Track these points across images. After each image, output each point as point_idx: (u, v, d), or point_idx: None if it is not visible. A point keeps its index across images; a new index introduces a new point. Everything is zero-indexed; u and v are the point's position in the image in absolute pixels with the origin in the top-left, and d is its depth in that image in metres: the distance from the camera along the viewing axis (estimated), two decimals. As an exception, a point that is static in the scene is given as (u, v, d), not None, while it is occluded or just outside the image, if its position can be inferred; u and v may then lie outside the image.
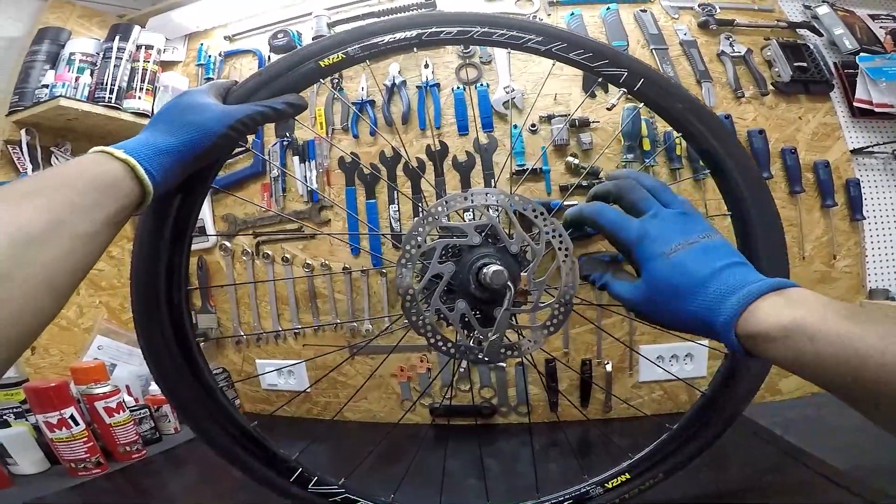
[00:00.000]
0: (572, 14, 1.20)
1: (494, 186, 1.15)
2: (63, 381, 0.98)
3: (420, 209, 1.18)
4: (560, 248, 0.53)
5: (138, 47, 1.25)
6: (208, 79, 1.34)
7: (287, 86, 0.57)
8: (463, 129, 1.19)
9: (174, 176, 0.46)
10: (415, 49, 0.60)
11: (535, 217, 0.53)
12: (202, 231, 1.32)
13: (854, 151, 1.17)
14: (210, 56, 1.35)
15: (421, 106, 1.20)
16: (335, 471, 0.69)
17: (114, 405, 1.03)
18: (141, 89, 1.22)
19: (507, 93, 1.16)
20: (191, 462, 1.07)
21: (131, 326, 1.29)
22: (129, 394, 1.14)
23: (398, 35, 0.59)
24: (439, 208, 0.53)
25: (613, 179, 0.51)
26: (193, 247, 1.28)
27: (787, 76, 1.15)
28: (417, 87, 1.21)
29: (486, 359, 0.53)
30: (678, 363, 1.12)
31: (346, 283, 1.22)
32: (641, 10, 1.19)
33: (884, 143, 1.16)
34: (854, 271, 1.14)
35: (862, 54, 1.18)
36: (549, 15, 1.21)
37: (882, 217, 1.16)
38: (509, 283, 0.50)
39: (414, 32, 0.59)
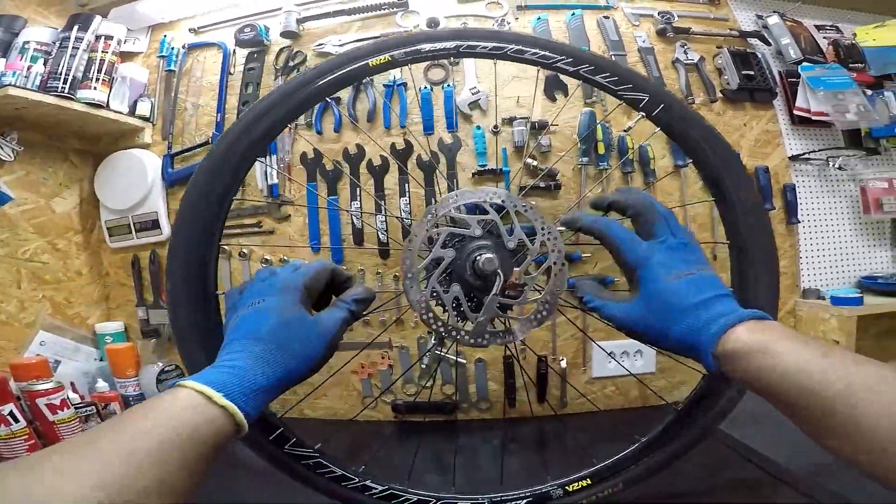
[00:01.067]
0: (539, 18, 1.23)
1: (457, 187, 1.17)
2: (1, 376, 0.93)
3: (382, 206, 1.18)
4: (553, 251, 0.57)
5: (98, 37, 1.20)
6: (169, 71, 1.31)
7: (341, 78, 0.62)
8: (428, 129, 1.20)
9: (266, 405, 0.44)
10: (451, 58, 0.64)
11: (535, 220, 0.58)
12: (155, 224, 1.27)
13: (792, 158, 1.24)
14: (173, 48, 1.32)
15: (386, 105, 1.20)
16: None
17: (57, 402, 0.98)
18: (97, 80, 1.17)
19: (473, 94, 1.18)
20: None
21: (77, 322, 1.27)
22: (75, 391, 1.08)
23: (439, 45, 0.63)
24: (450, 200, 0.58)
25: (626, 195, 0.53)
26: (144, 240, 1.27)
27: (735, 84, 1.21)
28: (385, 85, 1.21)
29: (471, 340, 0.57)
30: (629, 359, 1.17)
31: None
32: (604, 17, 1.24)
33: (818, 150, 1.24)
34: (789, 271, 1.22)
35: (804, 63, 1.23)
36: (517, 18, 1.24)
37: (815, 221, 1.24)
38: (499, 270, 0.55)
39: (453, 44, 0.63)
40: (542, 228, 0.58)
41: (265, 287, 0.49)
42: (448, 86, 1.20)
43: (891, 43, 1.28)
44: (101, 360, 1.27)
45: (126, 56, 1.31)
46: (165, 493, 0.32)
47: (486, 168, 1.17)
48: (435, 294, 0.57)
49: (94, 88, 1.15)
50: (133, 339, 1.32)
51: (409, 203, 1.18)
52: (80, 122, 1.21)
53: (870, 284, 1.18)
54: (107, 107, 1.18)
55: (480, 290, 0.57)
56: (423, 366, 1.17)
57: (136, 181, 1.25)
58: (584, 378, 1.19)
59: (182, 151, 1.28)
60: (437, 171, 1.18)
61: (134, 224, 1.28)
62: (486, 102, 1.19)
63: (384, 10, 1.23)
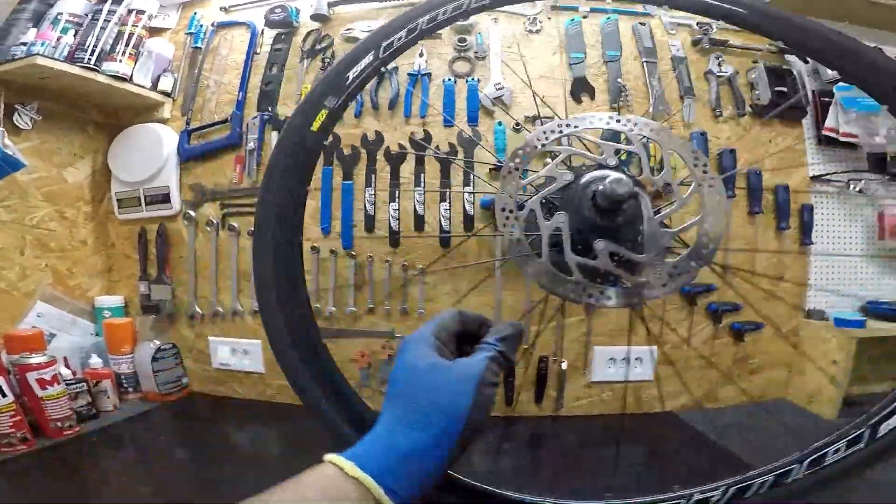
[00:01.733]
0: (572, 20, 1.22)
1: (473, 182, 1.16)
2: (-7, 349, 0.91)
3: (397, 193, 1.17)
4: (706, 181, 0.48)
5: (129, 11, 1.19)
6: (195, 48, 1.30)
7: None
8: (448, 122, 1.19)
9: (425, 483, 0.36)
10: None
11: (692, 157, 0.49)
12: (166, 198, 1.26)
13: (813, 178, 1.23)
14: (202, 25, 1.31)
15: (409, 94, 1.19)
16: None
17: (48, 377, 0.96)
18: (124, 53, 1.16)
19: (497, 89, 1.17)
20: (128, 441, 1.02)
21: (78, 293, 1.26)
22: (67, 366, 1.06)
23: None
24: (576, 125, 0.52)
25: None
26: (153, 213, 1.25)
27: (766, 99, 1.19)
28: (409, 74, 1.20)
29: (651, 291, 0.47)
30: (628, 366, 1.17)
31: (314, 263, 1.20)
32: (640, 23, 1.22)
33: (842, 172, 1.23)
34: (796, 291, 1.23)
35: (840, 83, 1.20)
36: (550, 18, 1.23)
37: (827, 243, 1.24)
38: (638, 189, 0.46)
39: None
40: (697, 163, 0.47)
41: (398, 352, 0.44)
42: (473, 79, 1.19)
43: None
44: (96, 334, 1.25)
45: (154, 31, 1.30)
46: None
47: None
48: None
49: (120, 61, 1.15)
50: (132, 315, 1.30)
51: (424, 194, 1.17)
52: (103, 95, 1.20)
53: (874, 309, 1.19)
54: (130, 80, 1.19)
55: (603, 229, 0.48)
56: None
57: (151, 155, 1.24)
58: (584, 381, 1.19)
59: (200, 128, 1.26)
60: (455, 162, 1.17)
61: (145, 197, 1.27)
62: (509, 98, 1.18)
63: (417, -2, 1.22)
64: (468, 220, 1.16)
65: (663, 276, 0.48)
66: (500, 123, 1.18)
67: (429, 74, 1.20)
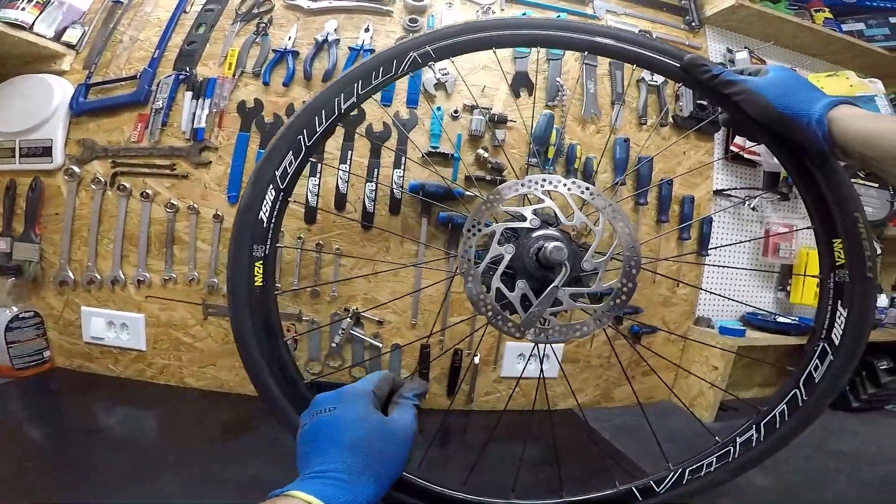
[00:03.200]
0: (524, 14, 1.21)
1: (404, 163, 1.11)
2: None
3: (319, 168, 1.09)
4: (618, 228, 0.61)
5: None
6: (116, 2, 1.18)
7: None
8: (386, 100, 1.14)
9: None
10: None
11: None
12: (47, 151, 1.11)
13: (716, 192, 1.33)
14: None
15: (347, 68, 1.11)
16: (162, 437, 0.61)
17: None
18: (29, 1, 1.06)
19: (441, 74, 1.14)
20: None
21: None
22: None
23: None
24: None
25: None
26: (28, 166, 1.11)
27: (688, 112, 1.27)
28: (350, 48, 1.14)
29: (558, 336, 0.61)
30: (535, 361, 1.19)
31: (215, 233, 1.09)
32: (584, 23, 1.24)
33: (740, 188, 1.34)
34: (689, 299, 1.33)
35: None
36: (503, 10, 1.22)
37: (720, 255, 1.36)
38: (565, 261, 0.58)
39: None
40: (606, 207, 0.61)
41: (334, 396, 0.50)
42: (424, 67, 1.13)
43: (835, 93, 1.38)
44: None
45: None
46: None
47: (438, 151, 1.12)
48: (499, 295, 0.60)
49: (22, 9, 1.05)
50: (-14, 276, 1.10)
51: (349, 171, 1.10)
52: None
53: (751, 320, 1.33)
54: (29, 29, 1.07)
55: (545, 282, 0.59)
56: (333, 345, 1.10)
57: (37, 106, 1.12)
58: (493, 376, 1.20)
59: (102, 83, 1.13)
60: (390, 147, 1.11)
61: (20, 148, 1.12)
62: (452, 86, 1.15)
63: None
64: (394, 204, 1.12)
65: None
66: (438, 108, 1.14)
67: (372, 51, 1.13)
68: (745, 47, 1.38)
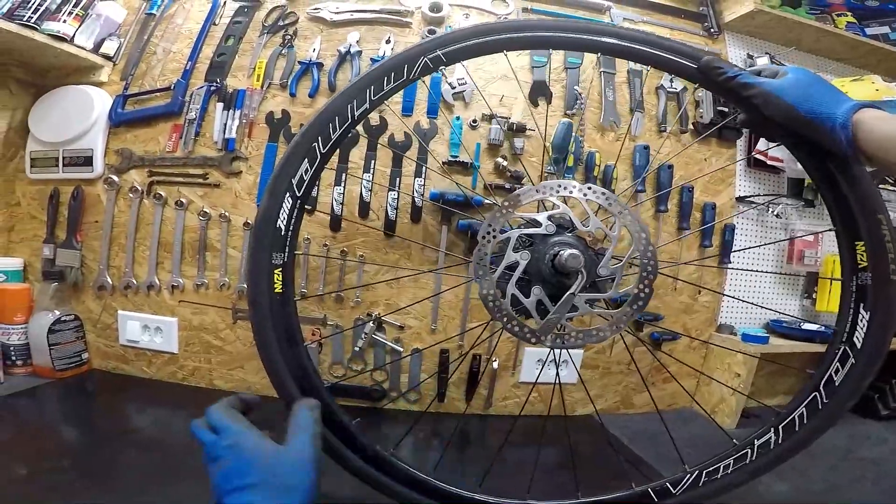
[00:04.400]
0: None
1: (425, 172, 1.14)
2: None
3: (344, 177, 1.13)
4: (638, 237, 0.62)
5: None
6: (149, 14, 1.22)
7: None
8: (407, 111, 1.17)
9: None
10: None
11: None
12: (88, 161, 1.17)
13: (738, 199, 1.32)
14: None
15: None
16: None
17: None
18: (69, 13, 1.09)
19: (459, 84, 1.17)
20: (7, 418, 0.92)
21: None
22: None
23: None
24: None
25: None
26: (71, 175, 1.18)
27: (708, 118, 1.26)
28: (372, 59, 1.18)
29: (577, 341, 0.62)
30: (555, 367, 1.20)
31: (245, 240, 1.13)
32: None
33: (763, 195, 1.31)
34: (711, 307, 1.32)
35: None
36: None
37: (743, 263, 1.34)
38: (582, 268, 0.59)
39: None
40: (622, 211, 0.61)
41: (226, 435, 0.51)
42: (437, 72, 1.16)
43: (860, 97, 1.34)
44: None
45: None
46: None
47: (458, 160, 1.15)
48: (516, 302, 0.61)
49: (64, 21, 1.08)
50: (31, 281, 1.18)
51: (372, 180, 1.14)
52: (35, 53, 1.10)
53: (775, 327, 1.31)
54: (70, 41, 1.10)
55: (561, 288, 0.60)
56: (357, 349, 1.13)
57: (78, 116, 1.17)
58: (512, 381, 1.21)
59: (138, 94, 1.19)
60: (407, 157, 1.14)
61: (63, 158, 1.18)
62: (469, 95, 1.17)
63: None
64: (416, 212, 1.14)
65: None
66: (457, 118, 1.16)
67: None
68: (767, 53, 1.37)
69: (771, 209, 1.33)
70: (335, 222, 1.13)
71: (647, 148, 1.23)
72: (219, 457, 0.48)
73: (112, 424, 0.96)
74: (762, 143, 1.29)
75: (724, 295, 1.31)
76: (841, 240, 0.66)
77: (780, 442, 0.65)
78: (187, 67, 1.18)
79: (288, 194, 0.62)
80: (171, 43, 1.21)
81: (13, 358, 1.08)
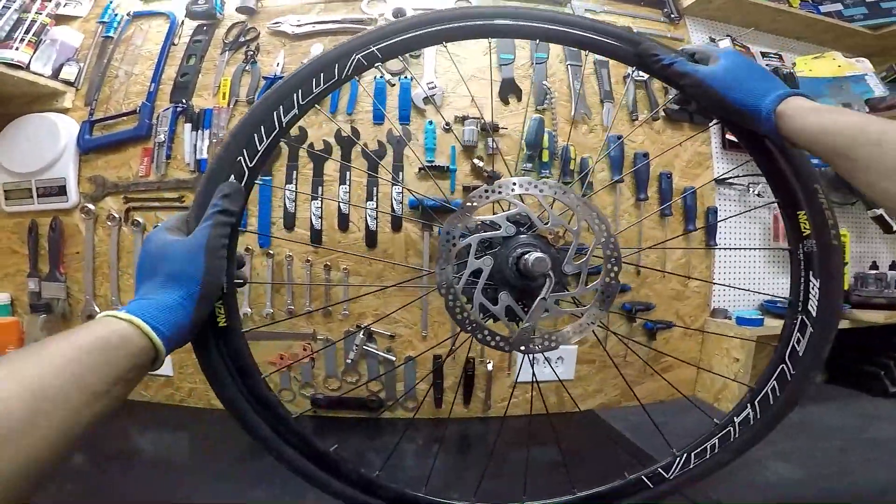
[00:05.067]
0: None
1: (402, 179, 1.14)
2: None
3: (320, 191, 1.13)
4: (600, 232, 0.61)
5: None
6: (107, 37, 1.23)
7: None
8: (378, 119, 1.17)
9: (186, 327, 0.47)
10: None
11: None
12: (62, 190, 1.17)
13: (717, 181, 1.31)
14: (116, 14, 1.24)
15: (336, 91, 1.15)
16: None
17: None
18: (22, 40, 1.10)
19: (430, 88, 1.17)
20: None
21: None
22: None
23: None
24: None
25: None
26: (46, 206, 1.17)
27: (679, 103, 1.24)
28: None
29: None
30: (555, 364, 1.19)
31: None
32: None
33: (742, 175, 1.31)
34: (702, 291, 1.31)
35: None
36: None
37: (730, 244, 1.33)
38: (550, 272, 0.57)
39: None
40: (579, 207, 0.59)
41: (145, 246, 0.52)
42: (405, 78, 1.17)
43: (823, 74, 1.37)
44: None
45: (64, 19, 1.24)
46: (80, 391, 0.38)
47: (434, 164, 1.15)
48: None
49: (16, 49, 1.09)
50: (20, 314, 1.18)
51: (349, 191, 1.14)
52: None
53: (770, 308, 1.29)
54: (26, 68, 1.11)
55: (527, 290, 0.59)
56: (349, 361, 1.13)
57: (47, 145, 1.17)
58: (508, 382, 1.20)
59: (104, 119, 1.19)
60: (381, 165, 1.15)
61: (37, 189, 1.18)
62: (440, 98, 1.18)
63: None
64: (396, 221, 1.14)
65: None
66: (430, 122, 1.17)
67: (359, 70, 1.17)
68: (728, 35, 1.38)
69: (752, 189, 1.32)
70: (315, 236, 1.13)
71: (619, 138, 1.23)
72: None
73: (114, 447, 0.96)
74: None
75: (711, 283, 1.30)
76: (784, 211, 0.67)
77: (758, 416, 0.65)
78: (151, 89, 1.18)
79: (217, 217, 0.59)
80: (131, 65, 1.21)
81: (6, 394, 1.07)
